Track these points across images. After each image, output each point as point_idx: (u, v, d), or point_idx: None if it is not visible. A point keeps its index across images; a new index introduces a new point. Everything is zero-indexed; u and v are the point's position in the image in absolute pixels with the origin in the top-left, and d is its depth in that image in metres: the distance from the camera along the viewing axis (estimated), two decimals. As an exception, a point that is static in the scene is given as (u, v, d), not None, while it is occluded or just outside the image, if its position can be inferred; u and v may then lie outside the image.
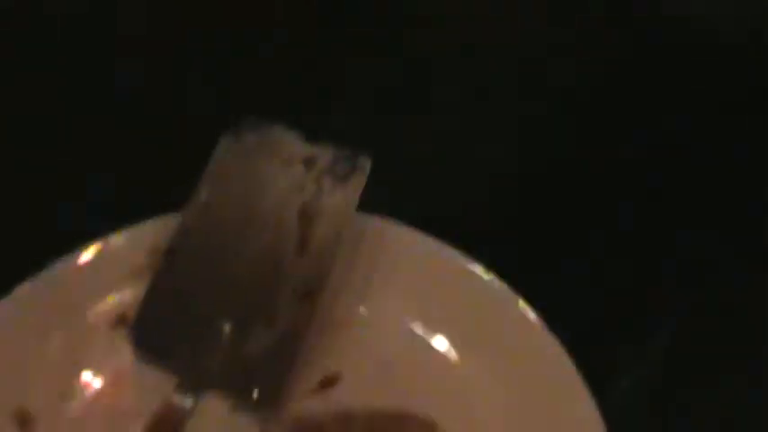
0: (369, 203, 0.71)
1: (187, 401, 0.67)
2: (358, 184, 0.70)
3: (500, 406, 0.67)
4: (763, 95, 0.78)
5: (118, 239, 0.74)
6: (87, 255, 0.73)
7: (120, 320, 0.71)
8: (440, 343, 0.70)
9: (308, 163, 0.71)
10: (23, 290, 0.70)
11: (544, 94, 0.84)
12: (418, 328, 0.71)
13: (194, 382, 0.68)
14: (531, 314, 0.68)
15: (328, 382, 0.68)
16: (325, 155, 0.71)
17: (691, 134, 0.78)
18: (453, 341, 0.70)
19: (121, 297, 0.72)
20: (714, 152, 0.77)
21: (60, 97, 0.82)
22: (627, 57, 0.85)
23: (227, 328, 0.68)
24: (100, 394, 0.69)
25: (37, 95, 0.82)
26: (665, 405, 0.69)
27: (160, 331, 0.69)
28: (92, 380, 0.69)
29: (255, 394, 0.67)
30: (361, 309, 0.71)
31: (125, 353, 0.70)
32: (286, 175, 0.71)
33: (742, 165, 0.75)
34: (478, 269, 0.70)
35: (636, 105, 0.82)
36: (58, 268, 0.72)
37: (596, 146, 0.80)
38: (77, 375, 0.69)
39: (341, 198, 0.70)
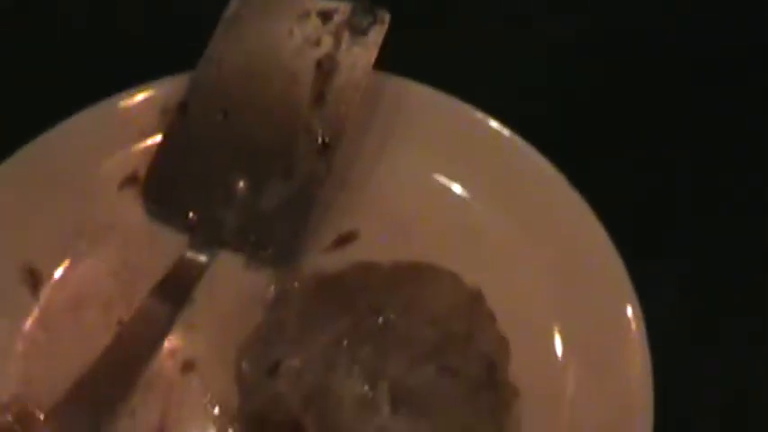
0: (387, 62, 0.69)
1: (200, 258, 0.65)
2: (377, 37, 0.68)
3: (521, 256, 0.66)
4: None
5: (129, 98, 0.71)
6: (98, 113, 0.71)
7: (131, 180, 0.69)
8: (459, 197, 0.68)
9: (325, 16, 0.68)
10: (34, 147, 0.68)
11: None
12: (437, 184, 0.69)
13: (208, 239, 0.66)
14: (552, 168, 0.66)
15: (345, 239, 0.66)
16: (342, 8, 0.68)
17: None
18: (473, 195, 0.68)
19: (133, 156, 0.70)
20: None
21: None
22: None
23: (241, 182, 0.66)
24: (110, 252, 0.66)
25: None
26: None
27: (173, 188, 0.67)
28: (102, 238, 0.67)
29: (270, 250, 0.65)
30: (379, 167, 0.69)
31: (136, 212, 0.68)
32: (302, 28, 0.68)
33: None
34: (498, 125, 0.67)
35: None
36: (70, 126, 0.70)
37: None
38: (87, 233, 0.67)
39: (359, 51, 0.67)
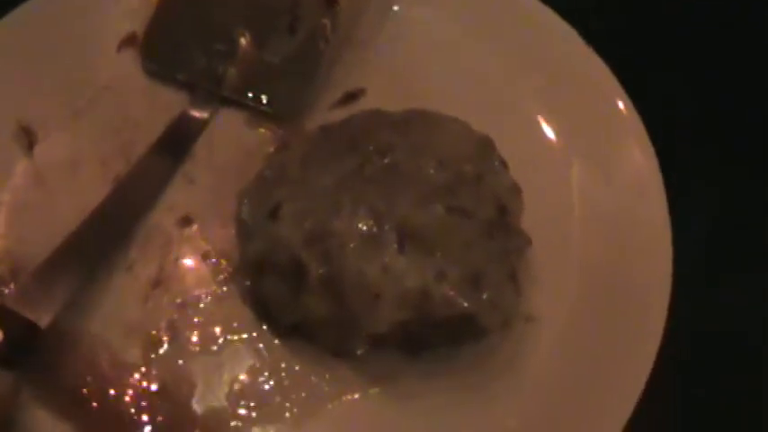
0: None
1: (201, 114, 0.62)
2: None
3: (529, 103, 0.63)
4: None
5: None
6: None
7: (130, 40, 0.66)
8: (467, 50, 0.64)
9: None
10: (32, 6, 0.65)
11: None
12: (444, 38, 0.65)
13: (209, 95, 0.63)
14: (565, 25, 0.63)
15: (351, 97, 0.63)
16: None
17: None
18: (482, 47, 0.64)
19: (131, 15, 0.66)
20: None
21: None
22: None
23: (245, 35, 0.63)
24: (109, 111, 0.63)
25: None
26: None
27: (173, 43, 0.64)
28: (101, 98, 0.63)
29: (273, 106, 0.61)
30: (386, 23, 0.65)
31: (136, 72, 0.65)
32: None
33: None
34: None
35: None
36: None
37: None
38: (85, 94, 0.63)
39: None
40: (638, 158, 0.59)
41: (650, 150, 0.59)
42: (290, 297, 0.52)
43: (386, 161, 0.53)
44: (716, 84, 0.67)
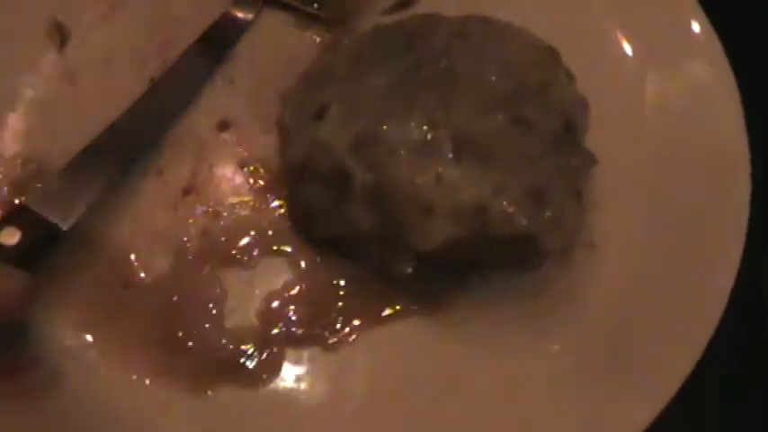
0: None
1: (246, 15, 0.55)
2: None
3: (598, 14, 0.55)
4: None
5: None
6: None
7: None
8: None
9: None
10: None
11: None
12: None
13: (255, -7, 0.56)
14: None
15: (403, 4, 0.56)
16: None
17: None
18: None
19: None
20: None
21: None
22: None
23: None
24: (146, 8, 0.57)
25: None
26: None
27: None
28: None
29: (321, 7, 0.55)
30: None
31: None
32: None
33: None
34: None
35: None
36: None
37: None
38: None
39: None
40: (715, 79, 0.51)
41: (728, 73, 0.51)
42: (333, 207, 0.45)
43: (443, 65, 0.46)
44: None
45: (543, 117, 0.45)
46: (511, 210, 0.43)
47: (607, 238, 0.48)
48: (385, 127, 0.44)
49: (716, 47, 0.52)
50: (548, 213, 0.43)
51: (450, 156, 0.44)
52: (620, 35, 0.54)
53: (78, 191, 0.47)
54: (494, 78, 0.46)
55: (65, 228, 0.46)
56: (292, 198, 0.48)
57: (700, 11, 0.53)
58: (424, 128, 0.44)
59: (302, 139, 0.46)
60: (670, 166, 0.50)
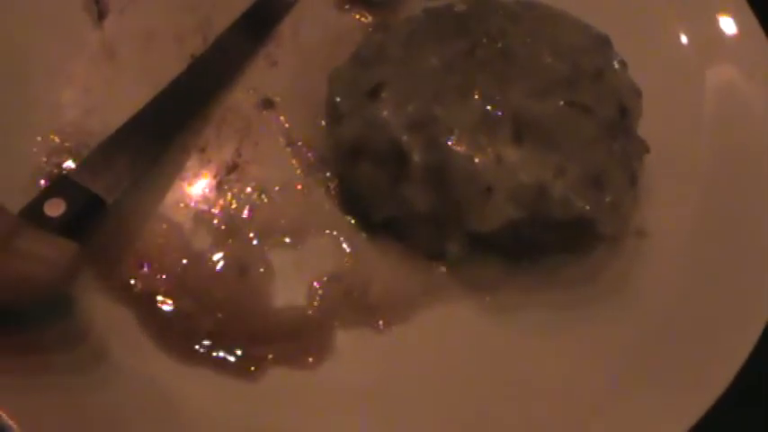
0: None
1: (290, -8, 0.54)
2: None
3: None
4: None
5: None
6: None
7: None
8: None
9: None
10: None
11: None
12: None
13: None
14: None
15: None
16: None
17: None
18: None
19: None
20: None
21: None
22: None
23: None
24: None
25: None
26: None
27: None
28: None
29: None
30: None
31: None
32: None
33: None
34: None
35: None
36: None
37: None
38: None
39: None
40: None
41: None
42: (388, 187, 0.44)
43: (498, 46, 0.45)
44: None
45: (599, 102, 0.44)
46: (571, 194, 0.42)
47: (658, 227, 0.47)
48: (442, 107, 0.43)
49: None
50: (607, 198, 0.42)
51: (510, 136, 0.42)
52: (676, 25, 0.53)
53: (121, 164, 0.46)
54: (549, 61, 0.45)
55: (109, 200, 0.44)
56: (343, 178, 0.47)
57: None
58: (483, 107, 0.43)
59: (356, 118, 0.45)
60: (723, 159, 0.49)
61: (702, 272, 0.46)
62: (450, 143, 0.42)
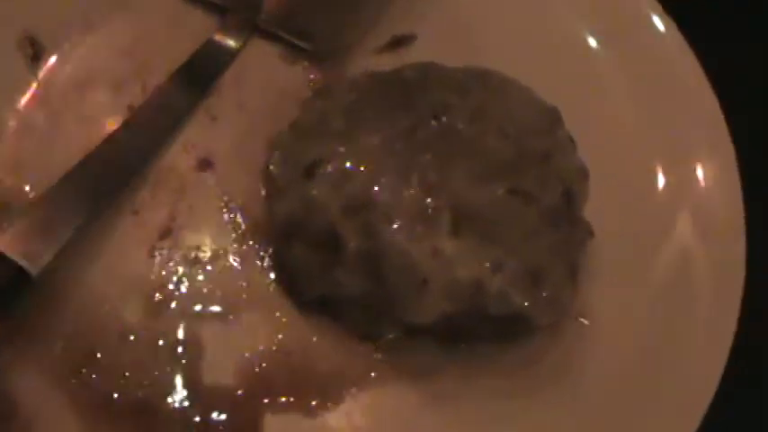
0: None
1: (231, 42, 0.52)
2: None
3: (601, 73, 0.53)
4: None
5: None
6: None
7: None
8: (538, 7, 0.53)
9: None
10: None
11: None
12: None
13: (241, 21, 0.52)
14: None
15: (399, 42, 0.53)
16: None
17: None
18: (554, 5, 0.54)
19: None
20: None
21: None
22: None
23: (286, -41, 0.51)
24: (126, 27, 0.52)
25: None
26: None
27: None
28: (118, 10, 0.52)
29: (312, 40, 0.51)
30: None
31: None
32: None
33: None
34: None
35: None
36: None
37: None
38: (101, 3, 0.52)
39: None
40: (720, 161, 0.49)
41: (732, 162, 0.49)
42: (321, 270, 0.43)
43: (442, 124, 0.43)
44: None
45: (543, 188, 0.43)
46: (508, 289, 0.40)
47: (600, 311, 0.46)
48: (380, 190, 0.41)
49: (721, 132, 0.50)
50: (544, 293, 0.41)
51: (448, 227, 0.41)
52: (623, 98, 0.51)
53: (49, 231, 0.43)
54: (494, 143, 0.43)
55: (34, 272, 0.42)
56: (277, 253, 0.45)
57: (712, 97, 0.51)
58: (421, 195, 0.41)
59: (292, 196, 0.43)
60: (669, 243, 0.47)
61: (645, 358, 0.45)
62: (386, 232, 0.41)
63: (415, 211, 0.41)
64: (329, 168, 0.42)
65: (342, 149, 0.43)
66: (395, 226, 0.41)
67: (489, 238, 0.41)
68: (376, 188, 0.41)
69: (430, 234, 0.41)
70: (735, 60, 0.55)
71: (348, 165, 0.42)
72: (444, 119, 0.43)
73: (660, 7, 0.53)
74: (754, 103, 0.56)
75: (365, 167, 0.42)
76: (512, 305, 0.40)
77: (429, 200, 0.41)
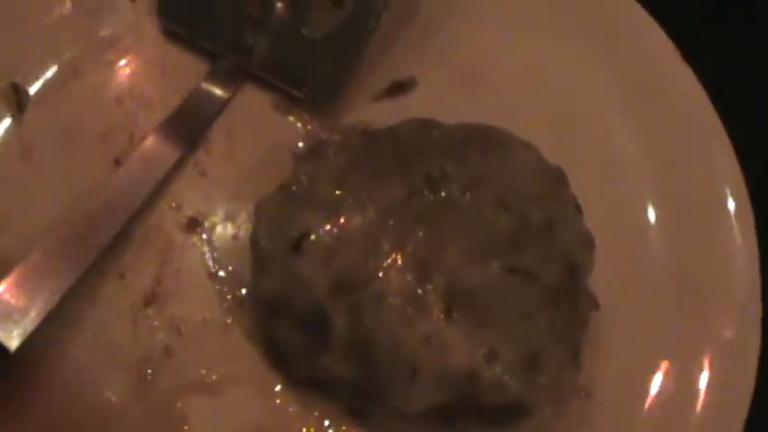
0: None
1: (220, 91, 0.49)
2: None
3: (612, 130, 0.50)
4: None
5: None
6: None
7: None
8: (542, 51, 0.51)
9: None
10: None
11: None
12: (516, 34, 0.51)
13: (232, 69, 0.49)
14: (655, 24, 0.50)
15: (399, 88, 0.50)
16: None
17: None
18: (559, 50, 0.51)
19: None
20: None
21: None
22: None
23: (282, 2, 0.48)
24: (113, 75, 0.50)
25: None
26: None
27: (196, 4, 0.49)
28: (105, 57, 0.50)
29: (306, 89, 0.48)
30: (451, 10, 0.51)
31: (150, 30, 0.51)
32: None
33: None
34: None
35: None
36: None
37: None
38: (87, 50, 0.50)
39: None
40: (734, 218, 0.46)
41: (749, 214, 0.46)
42: (306, 351, 0.40)
43: (437, 195, 0.40)
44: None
45: (544, 264, 0.40)
46: (504, 378, 0.38)
47: (606, 387, 0.43)
48: (370, 269, 0.39)
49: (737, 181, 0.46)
50: (542, 379, 0.39)
51: (441, 311, 0.38)
52: (628, 154, 0.48)
53: (29, 302, 0.41)
54: (492, 217, 0.40)
55: (12, 348, 0.40)
56: (264, 329, 0.43)
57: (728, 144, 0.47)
58: (414, 275, 0.39)
59: (277, 270, 0.41)
60: (676, 313, 0.45)
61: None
62: (375, 314, 0.38)
63: (406, 291, 0.39)
64: (317, 243, 0.40)
65: (331, 222, 0.40)
66: (384, 308, 0.38)
67: (484, 320, 0.38)
68: (366, 266, 0.39)
69: (421, 317, 0.38)
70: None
71: (337, 240, 0.40)
72: (440, 190, 0.41)
73: (677, 52, 0.49)
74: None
75: (355, 243, 0.39)
76: (507, 394, 0.38)
77: (421, 279, 0.39)
